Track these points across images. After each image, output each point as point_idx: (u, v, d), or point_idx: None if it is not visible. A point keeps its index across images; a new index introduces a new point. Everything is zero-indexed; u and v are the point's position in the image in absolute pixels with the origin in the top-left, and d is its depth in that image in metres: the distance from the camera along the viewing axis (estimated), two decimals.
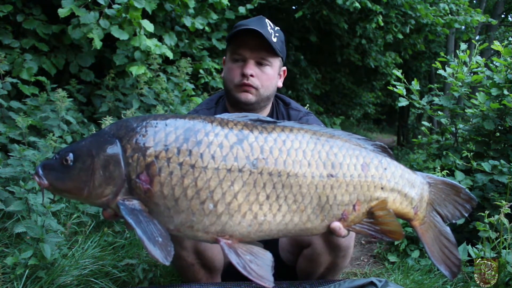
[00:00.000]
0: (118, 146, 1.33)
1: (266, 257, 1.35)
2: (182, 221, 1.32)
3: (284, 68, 2.10)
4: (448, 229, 1.60)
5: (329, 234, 1.48)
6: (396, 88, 3.94)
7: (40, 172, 1.34)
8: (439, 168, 3.49)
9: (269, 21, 1.98)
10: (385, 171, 1.51)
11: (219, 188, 1.31)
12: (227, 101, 2.09)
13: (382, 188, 1.49)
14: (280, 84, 2.09)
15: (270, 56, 1.93)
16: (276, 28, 1.99)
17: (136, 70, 3.91)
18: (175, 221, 1.32)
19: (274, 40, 1.91)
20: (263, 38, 1.85)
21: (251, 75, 1.91)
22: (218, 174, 1.31)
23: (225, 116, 1.45)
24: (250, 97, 1.94)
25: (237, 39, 1.94)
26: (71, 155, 1.34)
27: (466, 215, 1.62)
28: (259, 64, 1.93)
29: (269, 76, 1.95)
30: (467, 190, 1.62)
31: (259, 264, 1.32)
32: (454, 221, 1.62)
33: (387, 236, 1.47)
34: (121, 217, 1.32)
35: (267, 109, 2.10)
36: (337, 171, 1.43)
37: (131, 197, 1.32)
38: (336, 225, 1.44)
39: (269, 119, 1.47)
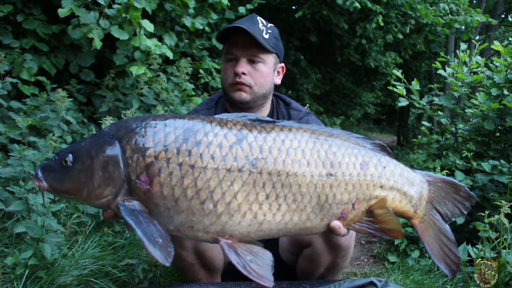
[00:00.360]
0: (118, 147, 1.33)
1: (266, 257, 1.35)
2: (182, 221, 1.32)
3: (282, 65, 2.08)
4: (447, 227, 1.60)
5: (329, 233, 1.49)
6: (396, 88, 3.94)
7: (40, 174, 1.34)
8: (439, 168, 3.49)
9: (261, 19, 1.98)
10: (384, 169, 1.51)
11: (218, 188, 1.31)
12: (226, 102, 2.09)
13: (381, 186, 1.50)
14: (278, 81, 2.07)
15: (261, 52, 1.92)
16: (269, 25, 1.99)
17: (136, 70, 3.91)
18: (175, 221, 1.32)
19: (266, 36, 1.91)
20: (252, 36, 1.85)
21: (243, 73, 1.91)
22: (217, 174, 1.31)
23: (224, 116, 1.46)
24: (244, 95, 1.94)
25: (229, 39, 1.95)
26: (70, 156, 1.34)
27: (466, 213, 1.62)
28: (252, 61, 1.92)
29: (262, 73, 1.94)
30: (466, 188, 1.62)
31: (259, 264, 1.32)
32: (454, 219, 1.63)
33: (386, 235, 1.47)
34: (121, 218, 1.32)
35: (266, 108, 2.09)
36: (336, 170, 1.43)
37: (131, 198, 1.32)
38: (336, 224, 1.44)
39: (268, 118, 1.47)
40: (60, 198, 2.64)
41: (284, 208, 1.37)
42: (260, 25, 1.93)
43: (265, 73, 1.95)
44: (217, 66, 5.38)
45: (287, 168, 1.37)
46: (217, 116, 1.45)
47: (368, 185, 1.47)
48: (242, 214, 1.33)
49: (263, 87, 1.96)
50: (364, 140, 1.55)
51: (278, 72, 2.06)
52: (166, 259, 1.22)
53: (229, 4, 5.21)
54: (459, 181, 3.21)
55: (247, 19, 1.97)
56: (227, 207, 1.32)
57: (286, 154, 1.39)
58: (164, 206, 1.31)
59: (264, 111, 2.08)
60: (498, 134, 3.63)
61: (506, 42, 3.90)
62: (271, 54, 1.96)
